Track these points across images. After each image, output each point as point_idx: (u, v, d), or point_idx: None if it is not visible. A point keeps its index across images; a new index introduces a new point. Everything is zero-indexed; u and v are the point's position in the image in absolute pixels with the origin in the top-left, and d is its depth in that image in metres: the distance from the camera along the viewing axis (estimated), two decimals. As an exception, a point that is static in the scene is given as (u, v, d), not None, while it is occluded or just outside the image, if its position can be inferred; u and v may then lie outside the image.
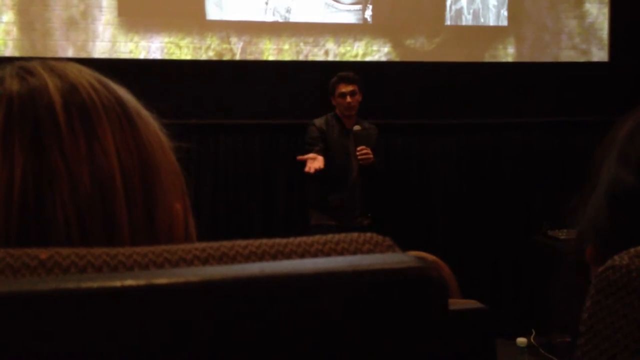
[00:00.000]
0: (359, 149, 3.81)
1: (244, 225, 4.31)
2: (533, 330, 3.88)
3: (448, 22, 4.64)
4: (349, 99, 3.90)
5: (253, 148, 4.41)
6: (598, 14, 4.80)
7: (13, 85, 0.50)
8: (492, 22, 4.70)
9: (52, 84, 0.50)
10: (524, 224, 4.53)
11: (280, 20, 4.46)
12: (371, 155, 3.81)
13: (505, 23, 4.71)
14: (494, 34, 4.72)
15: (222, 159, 4.37)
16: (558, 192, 4.49)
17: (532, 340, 3.69)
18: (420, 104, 4.55)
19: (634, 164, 0.63)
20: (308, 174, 3.69)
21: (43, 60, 0.53)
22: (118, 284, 0.34)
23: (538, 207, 4.56)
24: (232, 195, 4.36)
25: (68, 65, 0.53)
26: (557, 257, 3.62)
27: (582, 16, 4.80)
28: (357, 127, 3.90)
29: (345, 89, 3.91)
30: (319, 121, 3.95)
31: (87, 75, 0.52)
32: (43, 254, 0.38)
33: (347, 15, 4.53)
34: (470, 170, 4.61)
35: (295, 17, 4.47)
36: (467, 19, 4.67)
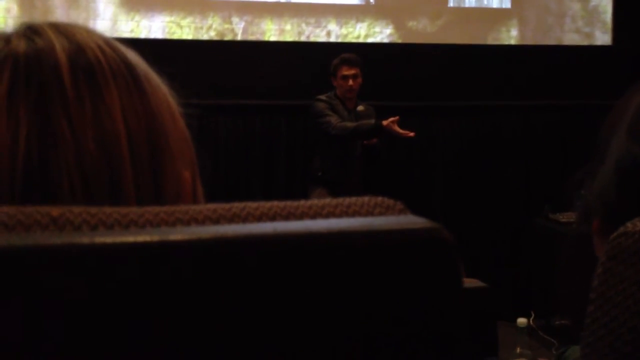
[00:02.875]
0: None
1: (244, 206, 4.31)
2: (532, 312, 3.90)
3: (451, 4, 4.62)
4: (351, 82, 3.90)
5: (254, 129, 4.40)
6: (602, -3, 4.78)
7: (20, 45, 0.49)
8: (495, 4, 4.67)
9: (59, 45, 0.49)
10: (526, 207, 4.54)
11: (282, 0, 4.43)
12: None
13: (508, 5, 4.68)
14: (497, 16, 4.69)
15: (223, 140, 4.36)
16: (560, 175, 4.49)
17: (531, 322, 3.70)
18: (422, 86, 4.53)
19: None
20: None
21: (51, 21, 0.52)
22: (131, 239, 0.34)
23: (540, 190, 4.56)
24: (232, 176, 4.35)
25: (76, 26, 0.52)
26: (558, 240, 3.63)
27: (585, -1, 4.77)
28: (361, 107, 3.91)
29: (347, 72, 3.90)
30: (324, 96, 3.94)
31: (96, 37, 0.51)
32: (54, 211, 0.37)
33: (350, -4, 4.51)
34: (472, 152, 4.60)
35: (298, -2, 4.44)
36: (470, 1, 4.64)
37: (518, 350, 2.41)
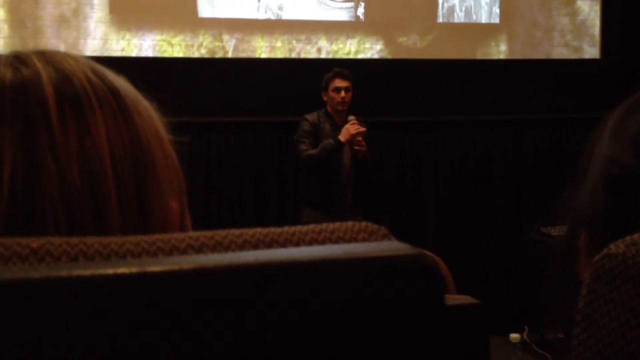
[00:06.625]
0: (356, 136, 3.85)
1: (236, 224, 4.28)
2: (526, 326, 3.89)
3: (440, 20, 4.65)
4: (343, 94, 3.94)
5: (246, 146, 4.40)
6: (590, 11, 4.81)
7: (6, 75, 0.49)
8: (484, 20, 4.70)
9: (45, 76, 0.49)
10: (517, 221, 4.54)
11: (273, 17, 4.45)
12: (364, 145, 3.86)
13: (497, 20, 4.72)
14: (486, 31, 4.72)
15: (215, 157, 4.36)
16: (550, 189, 4.49)
17: (524, 336, 3.69)
18: (412, 102, 4.55)
19: (629, 144, 0.63)
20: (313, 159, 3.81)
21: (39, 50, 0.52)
22: (110, 271, 0.34)
23: (530, 204, 4.57)
24: (225, 193, 4.35)
25: (64, 55, 0.51)
26: (549, 253, 3.63)
27: (573, 13, 4.81)
28: (351, 117, 3.91)
29: (340, 83, 3.94)
30: (311, 116, 3.98)
31: (84, 66, 0.51)
32: (34, 242, 0.37)
33: (340, 12, 4.53)
34: (463, 167, 4.61)
35: (288, 15, 4.46)
36: (459, 16, 4.67)
37: (512, 365, 2.41)
